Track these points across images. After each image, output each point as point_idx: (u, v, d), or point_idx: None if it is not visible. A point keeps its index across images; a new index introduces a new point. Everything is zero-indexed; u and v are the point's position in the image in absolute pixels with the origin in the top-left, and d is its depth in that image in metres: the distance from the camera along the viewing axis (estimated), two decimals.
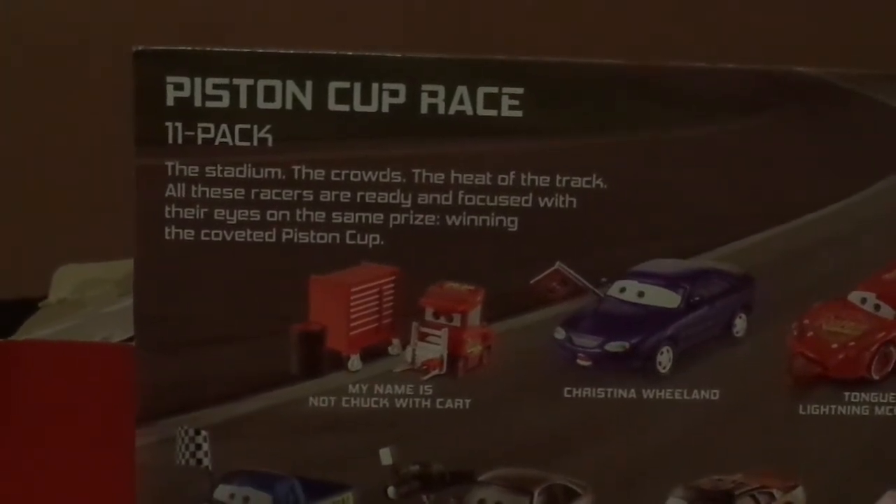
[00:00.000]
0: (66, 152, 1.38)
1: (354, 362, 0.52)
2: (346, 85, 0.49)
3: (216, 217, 0.50)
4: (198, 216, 0.50)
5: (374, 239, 0.51)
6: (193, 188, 0.50)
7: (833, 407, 0.55)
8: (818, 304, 0.54)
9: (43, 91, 1.38)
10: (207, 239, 0.50)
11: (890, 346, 0.55)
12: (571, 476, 0.54)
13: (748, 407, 0.54)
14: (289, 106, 0.49)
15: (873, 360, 0.55)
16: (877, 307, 0.55)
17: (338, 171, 0.50)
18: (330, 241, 0.51)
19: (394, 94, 0.49)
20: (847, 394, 0.55)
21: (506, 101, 0.50)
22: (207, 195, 0.50)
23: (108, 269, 1.04)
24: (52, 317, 0.99)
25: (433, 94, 0.50)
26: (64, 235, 1.32)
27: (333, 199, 0.50)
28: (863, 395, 0.55)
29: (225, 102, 0.49)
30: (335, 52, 0.49)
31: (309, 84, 0.49)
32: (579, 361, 0.53)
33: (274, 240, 0.50)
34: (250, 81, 0.49)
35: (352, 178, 0.50)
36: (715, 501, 0.55)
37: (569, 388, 0.53)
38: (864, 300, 0.55)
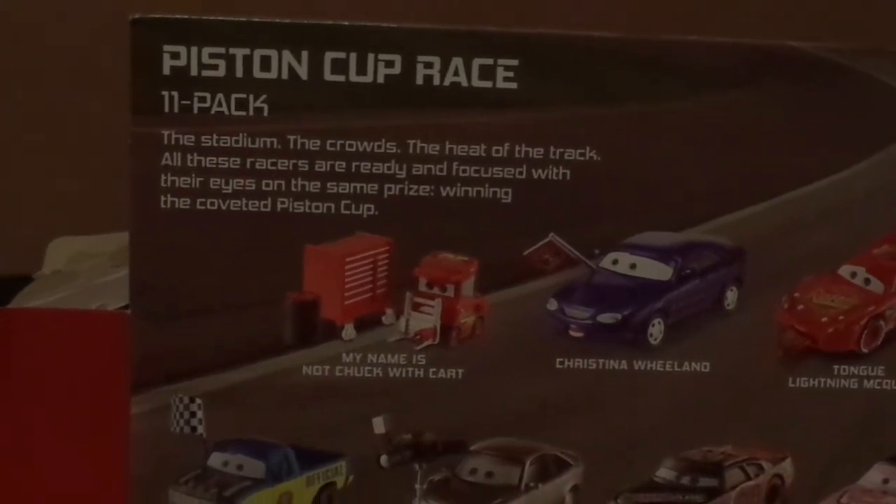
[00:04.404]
0: (61, 128, 1.37)
1: (348, 331, 0.53)
2: (342, 55, 0.49)
3: (212, 186, 0.50)
4: (193, 185, 0.50)
5: (369, 209, 0.51)
6: (189, 157, 0.50)
7: (822, 380, 0.55)
8: (809, 277, 0.54)
9: (34, 65, 1.38)
10: (203, 208, 0.50)
11: (879, 319, 0.55)
12: (562, 446, 0.55)
13: (738, 379, 0.54)
14: (285, 76, 0.49)
15: (863, 334, 0.55)
16: (867, 281, 0.55)
17: (333, 141, 0.50)
18: (325, 211, 0.51)
19: (389, 64, 0.50)
20: (836, 367, 0.55)
21: (501, 73, 0.50)
22: (203, 164, 0.50)
23: (101, 242, 1.04)
24: (45, 288, 1.00)
25: (429, 65, 0.50)
26: (58, 208, 1.32)
27: (328, 169, 0.50)
28: (852, 368, 0.55)
29: (221, 72, 0.49)
30: (331, 22, 0.49)
31: (305, 54, 0.49)
32: (571, 332, 0.53)
33: (269, 209, 0.51)
34: (246, 51, 0.49)
35: (347, 149, 0.50)
36: (704, 472, 0.55)
37: (561, 359, 0.53)
38: (854, 274, 0.55)
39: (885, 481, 0.56)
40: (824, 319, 0.55)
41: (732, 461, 0.56)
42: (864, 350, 0.55)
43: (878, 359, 0.55)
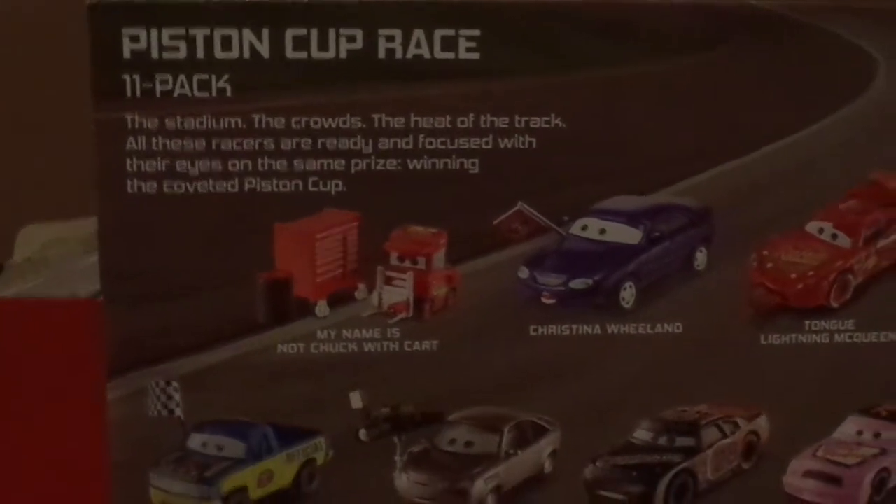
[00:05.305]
0: (27, 114, 1.36)
1: (322, 308, 0.53)
2: (303, 32, 0.49)
3: (178, 169, 0.50)
4: (159, 168, 0.50)
5: (337, 185, 0.51)
6: (154, 140, 0.50)
7: (794, 336, 0.56)
8: (776, 235, 0.55)
9: None
10: (170, 191, 0.50)
11: (848, 274, 0.56)
12: (539, 413, 0.55)
13: (711, 339, 0.55)
14: (246, 55, 0.49)
15: (832, 289, 0.56)
16: (834, 236, 0.56)
17: (298, 119, 0.50)
18: (293, 188, 0.51)
19: (351, 39, 0.49)
20: (807, 322, 0.56)
21: (463, 44, 0.50)
22: (168, 147, 0.50)
23: (71, 228, 1.04)
24: (17, 276, 0.99)
25: (390, 38, 0.50)
26: (27, 195, 1.31)
27: (294, 146, 0.50)
28: (822, 322, 0.56)
29: (182, 53, 0.49)
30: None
31: (266, 32, 0.49)
32: (544, 299, 0.54)
33: (237, 189, 0.51)
34: (207, 31, 0.49)
35: (312, 125, 0.50)
36: (681, 432, 0.56)
37: (534, 327, 0.54)
38: (821, 230, 0.55)
39: (859, 433, 0.57)
40: (794, 276, 0.55)
41: (708, 420, 0.56)
42: (835, 304, 0.56)
43: (849, 313, 0.56)
